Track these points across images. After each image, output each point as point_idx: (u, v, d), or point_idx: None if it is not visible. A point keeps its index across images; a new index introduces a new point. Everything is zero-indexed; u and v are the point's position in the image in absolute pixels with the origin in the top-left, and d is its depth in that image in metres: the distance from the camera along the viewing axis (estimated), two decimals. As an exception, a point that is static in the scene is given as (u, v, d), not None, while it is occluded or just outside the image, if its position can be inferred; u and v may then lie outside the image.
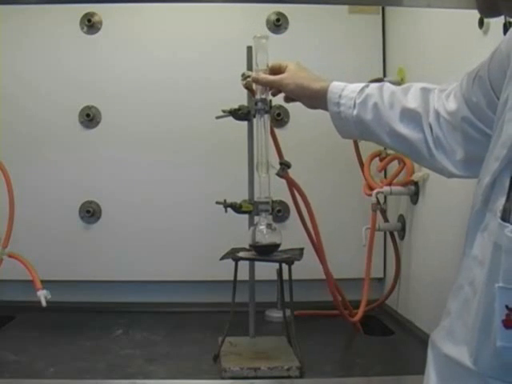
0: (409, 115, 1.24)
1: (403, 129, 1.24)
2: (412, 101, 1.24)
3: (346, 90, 1.31)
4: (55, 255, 2.03)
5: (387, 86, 1.29)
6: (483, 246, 0.88)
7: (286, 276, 1.51)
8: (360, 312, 1.81)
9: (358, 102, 1.29)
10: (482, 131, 1.11)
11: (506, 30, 1.13)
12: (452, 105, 1.17)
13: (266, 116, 1.54)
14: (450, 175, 1.24)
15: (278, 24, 2.09)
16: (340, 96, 1.31)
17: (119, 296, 2.08)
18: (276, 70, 1.47)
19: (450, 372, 0.91)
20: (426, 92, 1.24)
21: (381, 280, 2.13)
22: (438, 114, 1.21)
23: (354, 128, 1.31)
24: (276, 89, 1.48)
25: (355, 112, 1.29)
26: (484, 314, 0.82)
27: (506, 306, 0.77)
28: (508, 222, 0.77)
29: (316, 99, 1.37)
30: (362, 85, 1.31)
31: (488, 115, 1.08)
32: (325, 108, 1.35)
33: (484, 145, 1.00)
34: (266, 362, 1.45)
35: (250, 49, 1.60)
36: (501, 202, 0.81)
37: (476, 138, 1.12)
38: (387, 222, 1.98)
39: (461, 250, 0.97)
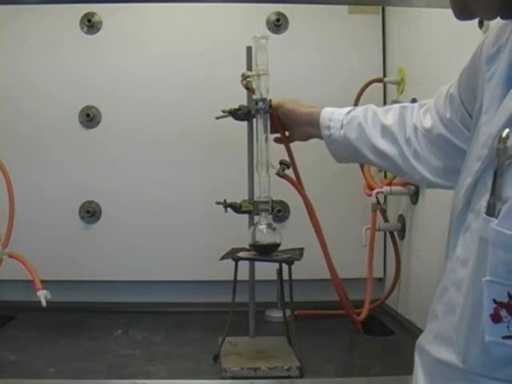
0: (387, 132, 1.33)
1: (383, 145, 1.34)
2: (390, 118, 1.34)
3: (335, 114, 1.43)
4: (55, 255, 2.03)
5: (371, 108, 1.41)
6: (466, 246, 0.90)
7: (286, 276, 1.51)
8: (364, 311, 1.82)
9: (344, 123, 1.40)
10: (458, 147, 1.17)
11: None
12: (428, 121, 1.25)
13: (266, 116, 1.54)
14: (430, 185, 1.33)
15: (278, 24, 2.09)
16: (330, 119, 1.43)
17: (119, 296, 2.08)
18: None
19: (439, 374, 0.92)
20: (403, 109, 1.34)
21: (381, 280, 2.13)
22: (415, 129, 1.29)
23: (343, 149, 1.42)
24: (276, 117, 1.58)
25: (342, 132, 1.40)
26: (471, 311, 0.83)
27: (494, 300, 0.77)
28: (493, 216, 0.79)
29: (308, 123, 1.49)
30: (350, 108, 1.44)
31: (462, 131, 1.15)
32: (316, 134, 1.47)
33: (460, 158, 1.06)
34: (265, 362, 1.45)
35: (249, 49, 1.60)
36: (484, 199, 0.82)
37: (452, 153, 1.19)
38: (387, 221, 1.98)
39: (444, 253, 0.98)
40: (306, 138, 1.55)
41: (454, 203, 0.96)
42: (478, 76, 1.01)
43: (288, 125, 1.58)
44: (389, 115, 1.35)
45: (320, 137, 1.46)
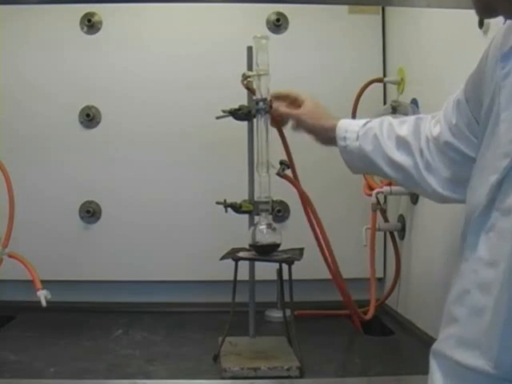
0: (402, 143, 1.33)
1: (398, 156, 1.32)
2: (405, 129, 1.33)
3: (352, 125, 1.42)
4: (55, 255, 2.03)
5: (387, 119, 1.39)
6: (491, 246, 0.88)
7: (286, 276, 1.51)
8: (371, 310, 1.84)
9: (360, 134, 1.39)
10: (464, 154, 1.17)
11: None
12: (437, 130, 1.25)
13: (267, 116, 1.54)
14: (441, 199, 1.30)
15: (277, 24, 2.09)
16: (346, 131, 1.41)
17: (119, 296, 2.08)
18: (291, 99, 1.54)
19: (463, 380, 0.89)
20: (418, 120, 1.33)
21: (381, 280, 2.13)
22: (427, 140, 1.28)
23: (358, 160, 1.40)
24: (294, 121, 1.55)
25: (358, 144, 1.38)
26: (507, 314, 0.81)
27: None
28: None
29: (328, 136, 1.46)
30: (366, 120, 1.42)
31: (469, 138, 1.15)
32: (336, 144, 1.44)
33: (468, 166, 1.07)
34: (265, 362, 1.45)
35: (250, 49, 1.60)
36: None
37: (459, 161, 1.19)
38: (387, 222, 1.98)
39: (457, 255, 0.96)
40: (323, 143, 1.52)
41: (473, 204, 0.94)
42: (485, 78, 1.01)
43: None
44: (404, 126, 1.34)
45: (336, 145, 1.44)
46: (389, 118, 1.39)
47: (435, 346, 0.98)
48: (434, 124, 1.28)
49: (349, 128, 1.41)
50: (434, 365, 0.97)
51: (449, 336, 0.94)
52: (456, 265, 0.97)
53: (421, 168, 1.27)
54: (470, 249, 0.92)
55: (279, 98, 1.56)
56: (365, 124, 1.40)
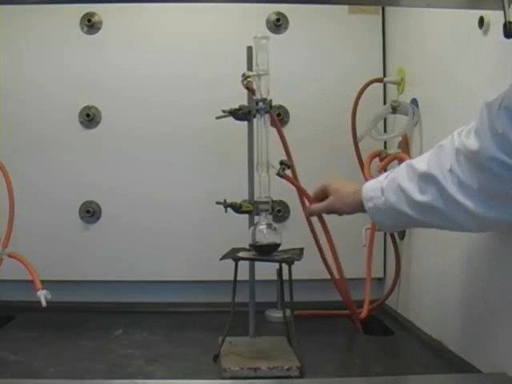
0: (425, 179, 1.22)
1: (423, 197, 1.22)
2: (425, 163, 1.23)
3: (374, 183, 1.35)
4: (55, 255, 2.03)
5: (408, 162, 1.30)
6: None
7: (286, 276, 1.51)
8: (365, 310, 1.83)
9: (384, 187, 1.32)
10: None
11: (505, 30, 1.12)
12: (474, 143, 1.12)
13: (267, 116, 1.54)
14: (480, 221, 1.17)
15: (277, 24, 2.09)
16: (371, 190, 1.35)
17: (119, 296, 2.08)
18: (321, 194, 1.54)
19: None
20: (440, 148, 1.23)
21: (381, 280, 2.13)
22: (457, 153, 1.17)
23: (387, 217, 1.33)
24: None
25: (384, 198, 1.31)
26: None
27: None
28: None
29: (356, 203, 1.41)
30: (387, 173, 1.36)
31: None
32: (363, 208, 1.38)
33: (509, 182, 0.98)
34: (266, 362, 1.45)
35: (250, 49, 1.60)
36: None
37: (504, 176, 1.08)
38: (387, 222, 1.98)
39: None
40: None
41: None
42: None
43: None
44: (424, 160, 1.25)
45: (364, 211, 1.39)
46: (407, 161, 1.32)
47: None
48: (465, 136, 1.16)
49: (373, 187, 1.35)
50: None
51: None
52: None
53: (450, 192, 1.17)
54: None
55: (317, 196, 1.56)
56: (387, 176, 1.34)
